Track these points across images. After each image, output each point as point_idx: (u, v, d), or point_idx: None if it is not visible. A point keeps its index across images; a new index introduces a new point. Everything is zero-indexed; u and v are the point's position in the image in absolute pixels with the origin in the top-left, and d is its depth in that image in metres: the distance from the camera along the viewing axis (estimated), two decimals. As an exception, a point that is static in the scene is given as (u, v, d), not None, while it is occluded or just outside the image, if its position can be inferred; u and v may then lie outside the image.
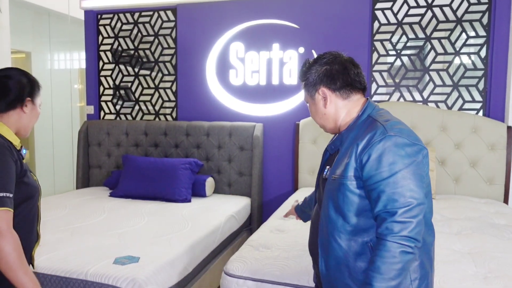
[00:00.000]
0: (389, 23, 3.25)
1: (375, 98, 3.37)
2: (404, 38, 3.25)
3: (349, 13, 3.29)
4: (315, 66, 1.27)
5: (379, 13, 3.26)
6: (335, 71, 1.24)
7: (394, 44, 3.26)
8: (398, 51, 3.25)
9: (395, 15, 3.23)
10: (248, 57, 3.49)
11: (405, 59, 3.26)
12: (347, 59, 1.28)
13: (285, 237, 2.01)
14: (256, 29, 3.47)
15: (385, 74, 3.31)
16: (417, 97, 3.26)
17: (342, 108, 1.26)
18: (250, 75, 3.50)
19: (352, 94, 1.26)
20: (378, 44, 3.31)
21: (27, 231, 1.38)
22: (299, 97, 3.41)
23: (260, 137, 3.38)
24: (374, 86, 3.34)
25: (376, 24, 3.29)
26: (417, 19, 3.20)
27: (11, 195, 1.24)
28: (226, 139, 3.46)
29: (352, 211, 1.14)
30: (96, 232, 2.41)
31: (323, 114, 1.28)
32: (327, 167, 1.27)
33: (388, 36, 3.27)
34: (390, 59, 3.30)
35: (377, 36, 3.30)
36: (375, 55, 3.32)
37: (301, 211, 1.67)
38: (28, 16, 4.90)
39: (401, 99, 3.28)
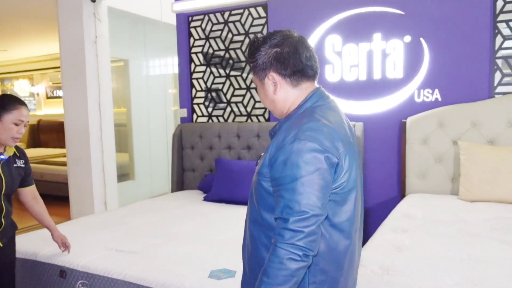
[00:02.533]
0: (518, -1, 2.72)
1: (500, 89, 2.84)
2: (539, 16, 2.69)
3: (466, -9, 2.82)
4: (265, 47, 1.18)
5: (505, -12, 2.74)
6: (286, 55, 1.16)
7: (525, 23, 2.71)
8: (532, 32, 2.70)
9: (527, -12, 2.69)
10: (346, 50, 3.19)
11: (541, 40, 2.69)
12: (298, 40, 1.19)
13: (406, 256, 1.69)
14: (354, 19, 3.16)
15: (513, 61, 2.78)
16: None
17: (291, 96, 1.19)
18: (348, 69, 3.20)
19: (302, 82, 1.19)
20: (502, 26, 2.79)
21: None
22: (406, 92, 3.02)
23: (361, 137, 3.06)
24: (498, 75, 2.82)
25: (499, 3, 2.77)
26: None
27: None
28: (322, 140, 3.20)
29: (263, 207, 1.14)
30: (190, 239, 2.32)
31: (272, 100, 1.21)
32: (262, 154, 1.21)
33: (517, 14, 2.74)
34: (520, 42, 2.76)
35: (501, 17, 2.78)
36: (498, 39, 2.81)
37: None
38: (125, 25, 5.14)
39: (536, 89, 2.72)
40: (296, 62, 1.16)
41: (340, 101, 3.25)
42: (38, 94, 9.09)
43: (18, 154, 1.97)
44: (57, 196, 5.99)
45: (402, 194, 3.01)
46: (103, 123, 4.50)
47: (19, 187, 2.01)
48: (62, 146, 5.29)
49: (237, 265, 1.92)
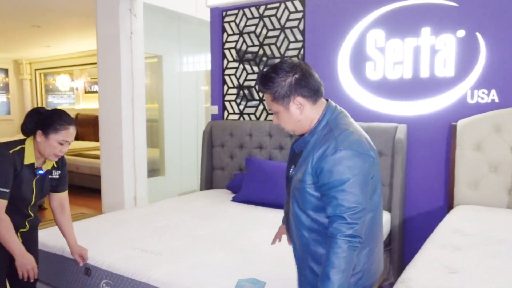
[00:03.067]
0: None
1: None
2: None
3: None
4: (280, 77, 1.31)
5: None
6: (304, 78, 1.32)
7: None
8: None
9: None
10: (390, 46, 2.95)
11: None
12: (305, 64, 1.36)
13: (460, 279, 1.46)
14: (400, 12, 2.91)
15: None
16: None
17: (312, 113, 1.36)
18: (391, 67, 2.95)
19: (319, 99, 1.37)
20: None
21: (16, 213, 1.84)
22: (457, 92, 2.74)
23: (404, 141, 2.81)
24: None
25: None
26: None
27: (7, 190, 1.74)
28: (361, 142, 2.97)
29: (311, 209, 1.34)
30: (218, 243, 2.19)
31: (298, 121, 1.36)
32: (292, 166, 1.43)
33: None
34: None
35: None
36: None
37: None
38: (160, 20, 5.09)
39: None
40: (314, 83, 1.34)
41: (381, 100, 3.00)
42: (77, 89, 9.31)
43: (56, 165, 1.98)
44: (91, 189, 6.07)
45: (449, 205, 2.73)
46: (135, 118, 4.49)
47: (50, 191, 2.01)
48: (98, 139, 5.33)
49: (267, 275, 1.77)
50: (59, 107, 9.65)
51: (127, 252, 2.05)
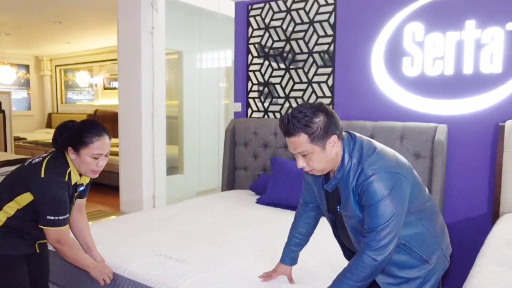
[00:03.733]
0: None
1: None
2: None
3: None
4: (317, 117, 1.32)
5: None
6: (333, 117, 1.35)
7: None
8: None
9: None
10: (429, 41, 2.74)
11: None
12: (324, 104, 1.37)
13: None
14: (441, 3, 2.69)
15: None
16: None
17: (340, 149, 1.39)
18: (431, 63, 2.75)
19: (341, 135, 1.40)
20: None
21: (34, 229, 1.69)
22: (505, 90, 2.52)
23: (444, 142, 2.60)
24: None
25: None
26: None
27: (66, 216, 1.65)
28: (396, 143, 2.77)
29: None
30: (246, 251, 2.03)
31: (332, 159, 1.38)
32: (338, 205, 1.46)
33: None
34: None
35: None
36: None
37: (293, 259, 1.70)
38: (181, 16, 4.98)
39: None
40: (338, 121, 1.37)
41: (419, 99, 2.80)
42: (96, 85, 9.30)
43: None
44: (108, 185, 6.00)
45: (494, 213, 2.52)
46: (155, 115, 4.39)
47: None
48: (116, 136, 5.25)
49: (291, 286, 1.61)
50: (78, 103, 9.71)
51: (150, 258, 1.91)
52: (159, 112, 4.41)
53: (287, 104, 3.50)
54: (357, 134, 1.44)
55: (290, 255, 1.68)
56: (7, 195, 1.64)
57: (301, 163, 1.37)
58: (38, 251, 1.78)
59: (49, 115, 10.01)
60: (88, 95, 9.58)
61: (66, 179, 1.65)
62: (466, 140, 2.66)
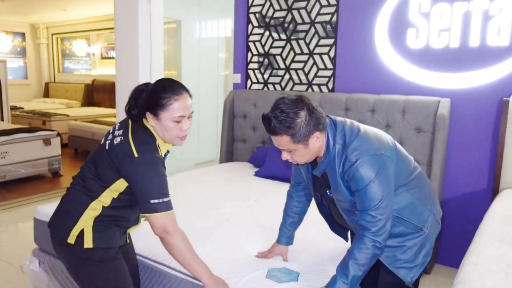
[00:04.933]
0: None
1: None
2: None
3: None
4: (298, 118, 1.30)
5: None
6: (314, 112, 1.32)
7: None
8: None
9: None
10: (436, 11, 2.64)
11: None
12: (304, 97, 1.35)
13: None
14: (450, -29, 2.58)
15: None
16: None
17: (323, 139, 1.39)
18: (436, 34, 2.66)
19: (325, 126, 1.39)
20: None
21: (131, 215, 1.52)
22: (511, 64, 2.45)
23: (446, 117, 2.55)
24: None
25: None
26: None
27: (169, 198, 1.40)
28: (397, 117, 2.73)
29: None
30: (244, 225, 2.02)
31: (315, 152, 1.38)
32: (327, 189, 1.48)
33: None
34: None
35: None
36: None
37: (289, 239, 1.71)
38: (180, -18, 4.80)
39: None
40: (319, 113, 1.34)
41: (423, 72, 2.73)
42: (93, 54, 9.12)
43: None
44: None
45: (494, 189, 2.50)
46: (153, 86, 4.30)
47: None
48: (114, 106, 5.18)
49: (300, 265, 1.60)
50: (76, 73, 9.56)
51: (145, 228, 1.89)
52: (157, 82, 4.33)
53: (287, 76, 3.43)
54: (339, 119, 1.44)
55: (286, 235, 1.69)
56: (98, 184, 1.43)
57: (285, 155, 1.39)
58: (128, 241, 1.61)
59: (46, 84, 9.88)
60: (86, 64, 9.41)
61: (160, 153, 1.43)
62: (469, 115, 2.62)
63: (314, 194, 1.59)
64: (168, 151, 1.52)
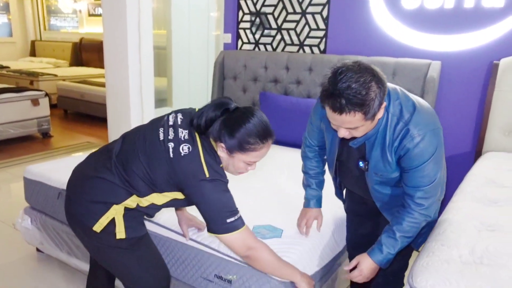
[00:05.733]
0: None
1: None
2: None
3: None
4: (370, 94, 1.16)
5: None
6: (382, 80, 1.20)
7: None
8: None
9: None
10: (431, -31, 2.57)
11: None
12: (365, 62, 1.22)
13: (503, 239, 1.29)
14: None
15: None
16: None
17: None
18: (431, -6, 2.60)
19: None
20: None
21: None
22: (504, 26, 2.42)
23: (436, 79, 2.55)
24: None
25: None
26: None
27: (240, 213, 1.33)
28: (388, 79, 2.67)
29: (397, 183, 1.41)
30: (232, 185, 2.04)
31: (375, 124, 1.29)
32: (361, 161, 1.41)
33: None
34: None
35: None
36: None
37: (319, 200, 1.67)
38: None
39: None
40: (384, 78, 1.22)
41: (416, 33, 2.70)
42: (80, 11, 8.81)
43: None
44: (96, 117, 5.94)
45: (477, 152, 2.55)
46: (142, 45, 4.20)
47: None
48: (103, 66, 5.08)
49: (284, 222, 1.65)
50: (62, 31, 9.27)
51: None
52: (146, 42, 4.22)
53: (278, 36, 3.36)
54: (389, 85, 1.29)
55: (316, 197, 1.64)
56: (148, 187, 1.32)
57: (343, 132, 1.26)
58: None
59: (32, 42, 9.59)
60: (73, 22, 9.11)
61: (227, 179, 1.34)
62: (458, 78, 2.62)
63: (333, 161, 1.51)
64: None
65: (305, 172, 1.66)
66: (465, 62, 2.58)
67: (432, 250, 1.25)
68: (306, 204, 1.64)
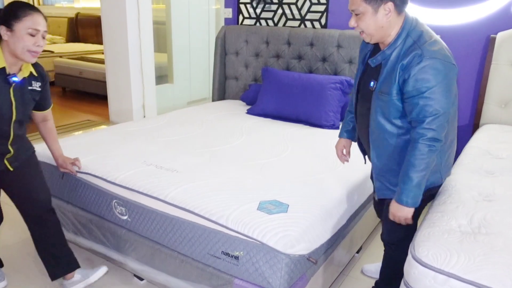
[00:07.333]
0: None
1: None
2: None
3: None
4: None
5: None
6: None
7: None
8: None
9: None
10: None
11: None
12: None
13: (500, 209, 1.36)
14: None
15: None
16: None
17: (395, 24, 1.37)
18: (431, -33, 2.60)
19: (403, 11, 1.38)
20: None
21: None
22: (501, 0, 2.44)
23: (436, 54, 2.58)
24: None
25: None
26: None
27: None
28: (388, 54, 2.75)
29: (397, 117, 1.42)
30: (236, 160, 2.12)
31: (380, 27, 1.36)
32: (373, 80, 1.47)
33: None
34: None
35: None
36: None
37: (352, 136, 1.76)
38: None
39: None
40: None
41: (414, 7, 2.71)
42: (74, -15, 8.63)
43: (35, 75, 1.71)
44: (96, 95, 5.94)
45: (475, 124, 2.62)
46: (141, 20, 4.18)
47: (34, 109, 1.80)
48: (101, 42, 5.03)
49: (289, 197, 1.72)
50: (57, 5, 9.09)
51: (141, 168, 1.97)
52: (145, 16, 4.20)
53: (280, 11, 3.36)
54: (420, 20, 1.41)
55: (346, 129, 1.76)
56: None
57: (352, 22, 1.39)
58: (12, 169, 1.71)
59: (27, 17, 9.43)
60: (67, -5, 8.94)
61: None
62: (456, 52, 2.64)
63: (354, 95, 1.60)
64: (14, 74, 1.59)
65: (348, 111, 1.78)
66: (463, 36, 2.61)
67: (433, 221, 1.33)
68: (339, 134, 1.81)
